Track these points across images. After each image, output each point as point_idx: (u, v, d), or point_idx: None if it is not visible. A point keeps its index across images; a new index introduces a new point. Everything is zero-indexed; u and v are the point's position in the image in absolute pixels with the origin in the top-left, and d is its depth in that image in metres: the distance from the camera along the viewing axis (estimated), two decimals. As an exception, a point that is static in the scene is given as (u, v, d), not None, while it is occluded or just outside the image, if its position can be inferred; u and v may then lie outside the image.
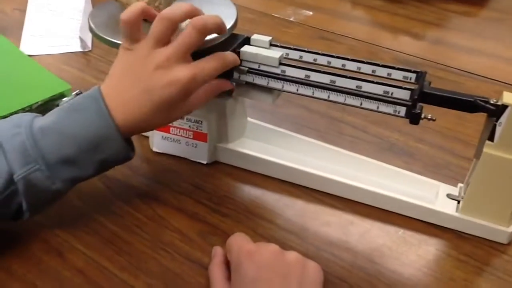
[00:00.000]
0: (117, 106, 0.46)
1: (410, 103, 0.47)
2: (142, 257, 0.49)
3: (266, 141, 0.60)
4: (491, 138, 0.46)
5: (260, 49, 0.52)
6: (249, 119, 0.62)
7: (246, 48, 0.52)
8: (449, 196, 0.53)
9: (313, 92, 0.51)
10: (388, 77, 0.51)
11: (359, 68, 0.51)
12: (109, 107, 0.45)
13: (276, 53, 0.51)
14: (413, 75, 0.50)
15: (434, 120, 0.48)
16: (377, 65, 0.51)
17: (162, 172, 0.59)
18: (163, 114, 0.47)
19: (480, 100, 0.46)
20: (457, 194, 0.54)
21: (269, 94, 0.54)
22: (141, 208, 0.54)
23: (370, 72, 0.51)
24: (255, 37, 0.54)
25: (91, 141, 0.45)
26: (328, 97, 0.50)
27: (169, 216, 0.53)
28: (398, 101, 0.48)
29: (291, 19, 0.94)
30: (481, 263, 0.49)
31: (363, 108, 0.50)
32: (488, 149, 0.47)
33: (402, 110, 0.48)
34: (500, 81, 0.77)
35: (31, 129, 0.44)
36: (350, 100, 0.50)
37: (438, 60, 0.82)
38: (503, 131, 0.46)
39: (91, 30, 0.54)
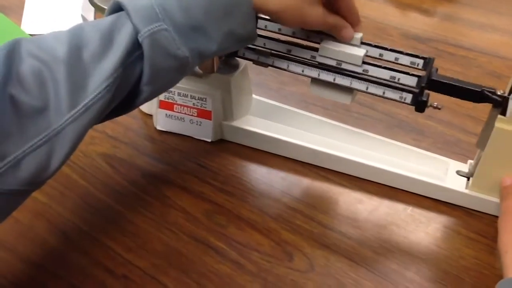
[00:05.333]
0: None
1: (417, 91, 0.46)
2: (147, 237, 0.48)
3: (272, 119, 0.59)
4: (503, 112, 0.45)
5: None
6: (254, 96, 0.61)
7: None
8: (458, 172, 0.52)
9: (318, 74, 0.50)
10: (396, 61, 0.49)
11: (367, 51, 0.49)
12: None
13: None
14: (421, 61, 0.48)
15: (439, 109, 0.47)
16: (385, 49, 0.49)
17: (166, 151, 0.58)
18: None
19: (487, 91, 0.45)
20: (466, 170, 0.52)
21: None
22: (146, 187, 0.53)
23: (377, 56, 0.50)
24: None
25: (221, 6, 0.42)
26: (334, 79, 0.49)
27: (174, 196, 0.52)
28: (405, 87, 0.47)
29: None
30: (491, 241, 0.48)
31: (368, 93, 0.49)
32: (500, 123, 0.45)
33: (408, 97, 0.47)
34: (512, 57, 0.75)
35: None
36: (356, 84, 0.48)
37: (449, 36, 0.80)
38: (516, 106, 0.44)
39: (91, 1, 0.52)
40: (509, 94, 0.44)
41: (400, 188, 0.53)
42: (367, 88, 0.48)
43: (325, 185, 0.54)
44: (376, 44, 0.50)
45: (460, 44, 0.78)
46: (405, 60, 0.49)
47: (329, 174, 0.55)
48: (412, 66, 0.49)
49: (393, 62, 0.49)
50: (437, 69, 0.48)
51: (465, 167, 0.53)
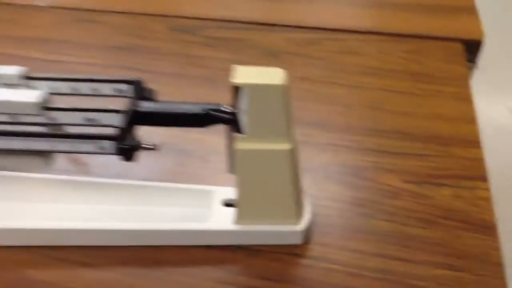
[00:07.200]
0: None
1: (116, 135, 0.34)
2: None
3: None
4: (239, 130, 0.34)
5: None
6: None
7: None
8: (225, 202, 0.41)
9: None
10: (96, 94, 0.36)
11: (46, 93, 0.35)
12: None
13: None
14: (127, 87, 0.36)
15: (153, 149, 0.35)
16: (77, 80, 0.36)
17: None
18: None
19: (213, 111, 0.34)
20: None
21: None
22: None
23: (71, 92, 0.36)
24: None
25: None
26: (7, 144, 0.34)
27: None
28: (105, 133, 0.34)
29: (40, 4, 0.74)
30: (277, 282, 0.38)
31: (57, 152, 0.35)
32: (241, 144, 0.35)
33: (109, 145, 0.34)
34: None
35: None
36: (37, 143, 0.34)
37: (220, 19, 0.69)
38: (250, 117, 0.34)
39: None
40: (235, 108, 0.34)
41: (158, 244, 0.40)
42: (52, 147, 0.34)
43: (62, 271, 0.39)
44: (63, 76, 0.36)
45: (231, 26, 0.68)
46: (106, 89, 0.36)
47: (66, 253, 0.40)
48: (118, 95, 0.36)
49: (93, 95, 0.36)
50: (151, 91, 0.36)
51: (233, 192, 0.42)
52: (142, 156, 0.47)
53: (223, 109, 0.34)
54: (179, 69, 0.61)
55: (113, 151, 0.34)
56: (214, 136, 0.49)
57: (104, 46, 0.66)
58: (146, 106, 0.34)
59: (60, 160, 0.47)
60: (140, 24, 0.70)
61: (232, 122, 0.34)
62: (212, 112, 0.34)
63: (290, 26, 0.68)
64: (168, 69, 0.61)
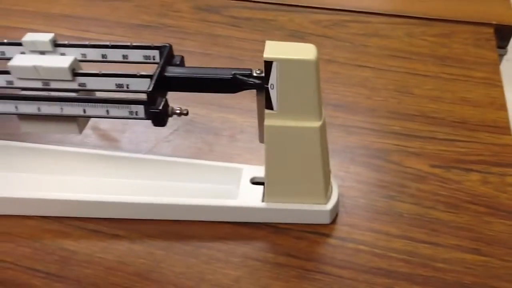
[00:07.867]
0: None
1: (147, 100, 0.34)
2: None
3: None
4: (269, 106, 0.34)
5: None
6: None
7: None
8: (253, 180, 0.42)
9: (16, 107, 0.35)
10: (125, 60, 0.36)
11: (75, 59, 0.35)
12: None
13: None
14: (157, 53, 0.36)
15: (186, 115, 0.35)
16: (106, 46, 0.37)
17: None
18: None
19: (240, 75, 0.33)
20: (263, 175, 0.42)
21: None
22: None
23: (100, 58, 0.37)
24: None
25: None
26: (39, 109, 0.35)
27: None
28: (136, 98, 0.34)
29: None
30: (305, 260, 0.38)
31: (89, 117, 0.35)
32: (270, 120, 0.35)
33: (140, 110, 0.34)
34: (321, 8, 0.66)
35: None
36: (68, 108, 0.35)
37: (243, -3, 0.69)
38: (280, 93, 0.33)
39: None
40: (266, 79, 0.33)
41: (187, 219, 0.41)
42: (84, 111, 0.34)
43: (94, 242, 0.40)
44: (93, 43, 0.36)
45: (256, 6, 0.67)
46: (136, 56, 0.36)
47: (98, 224, 0.41)
48: (148, 61, 0.36)
49: (122, 62, 0.36)
50: (182, 58, 0.36)
51: (261, 171, 0.42)
52: (170, 135, 0.47)
53: (254, 73, 0.34)
54: (204, 48, 0.61)
55: (144, 116, 0.34)
56: (242, 116, 0.50)
57: (128, 24, 0.66)
58: (174, 71, 0.34)
59: (91, 136, 0.47)
60: (164, 3, 0.70)
61: (261, 87, 0.34)
62: (240, 77, 0.34)
63: (315, 7, 0.67)
64: (193, 48, 0.61)
